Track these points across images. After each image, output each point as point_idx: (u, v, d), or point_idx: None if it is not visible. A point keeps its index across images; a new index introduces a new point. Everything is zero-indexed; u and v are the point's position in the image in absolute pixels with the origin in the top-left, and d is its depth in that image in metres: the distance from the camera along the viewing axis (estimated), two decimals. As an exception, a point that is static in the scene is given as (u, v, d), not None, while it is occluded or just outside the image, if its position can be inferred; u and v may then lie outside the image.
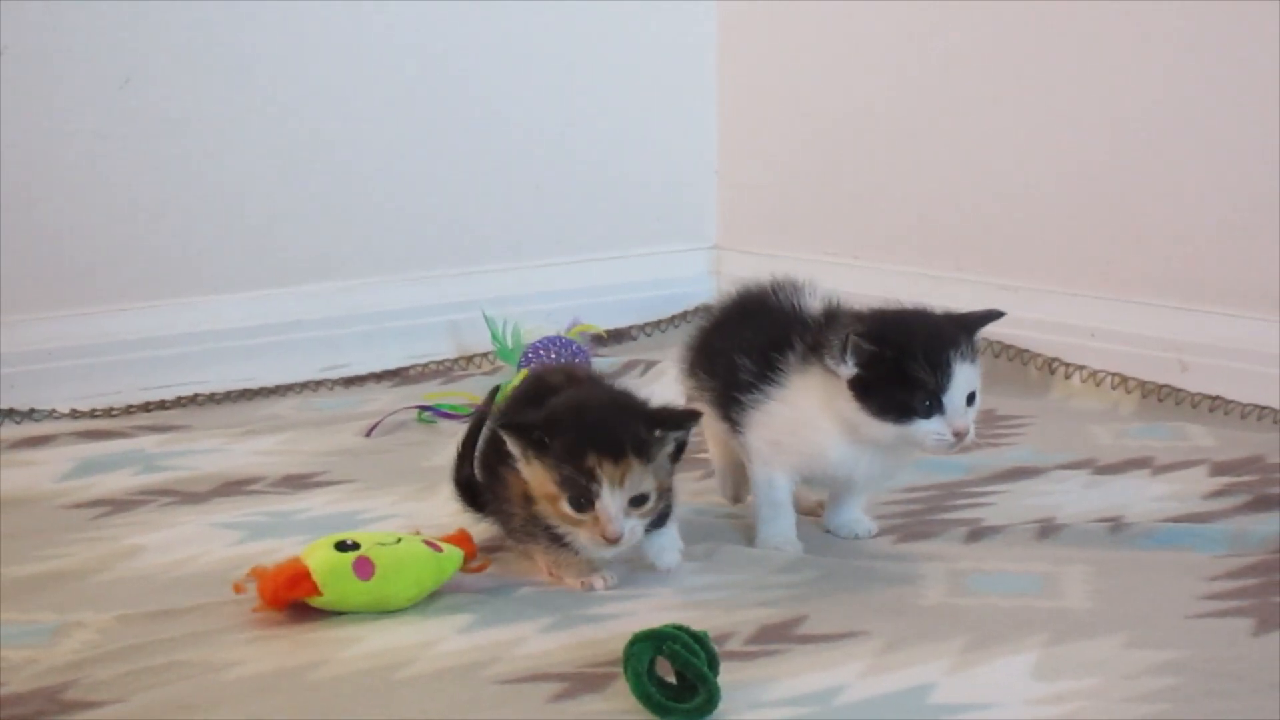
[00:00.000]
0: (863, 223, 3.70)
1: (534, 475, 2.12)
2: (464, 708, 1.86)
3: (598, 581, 2.18)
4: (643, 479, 2.09)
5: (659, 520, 2.16)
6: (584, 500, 2.08)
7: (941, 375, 2.18)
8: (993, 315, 2.30)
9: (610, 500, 2.07)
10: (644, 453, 2.09)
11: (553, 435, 2.09)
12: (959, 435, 2.19)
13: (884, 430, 2.20)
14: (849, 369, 2.20)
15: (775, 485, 2.34)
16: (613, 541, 2.08)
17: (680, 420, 2.15)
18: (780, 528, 2.35)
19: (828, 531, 2.42)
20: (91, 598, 2.20)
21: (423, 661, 1.98)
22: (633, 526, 2.09)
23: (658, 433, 2.11)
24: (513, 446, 2.12)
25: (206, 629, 2.07)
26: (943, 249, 3.54)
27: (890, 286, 3.54)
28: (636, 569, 2.23)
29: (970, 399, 2.21)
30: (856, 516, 2.42)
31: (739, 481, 2.51)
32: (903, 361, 2.18)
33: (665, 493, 2.14)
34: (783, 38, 3.83)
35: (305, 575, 2.10)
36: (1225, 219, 3.09)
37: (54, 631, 2.07)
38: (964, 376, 2.19)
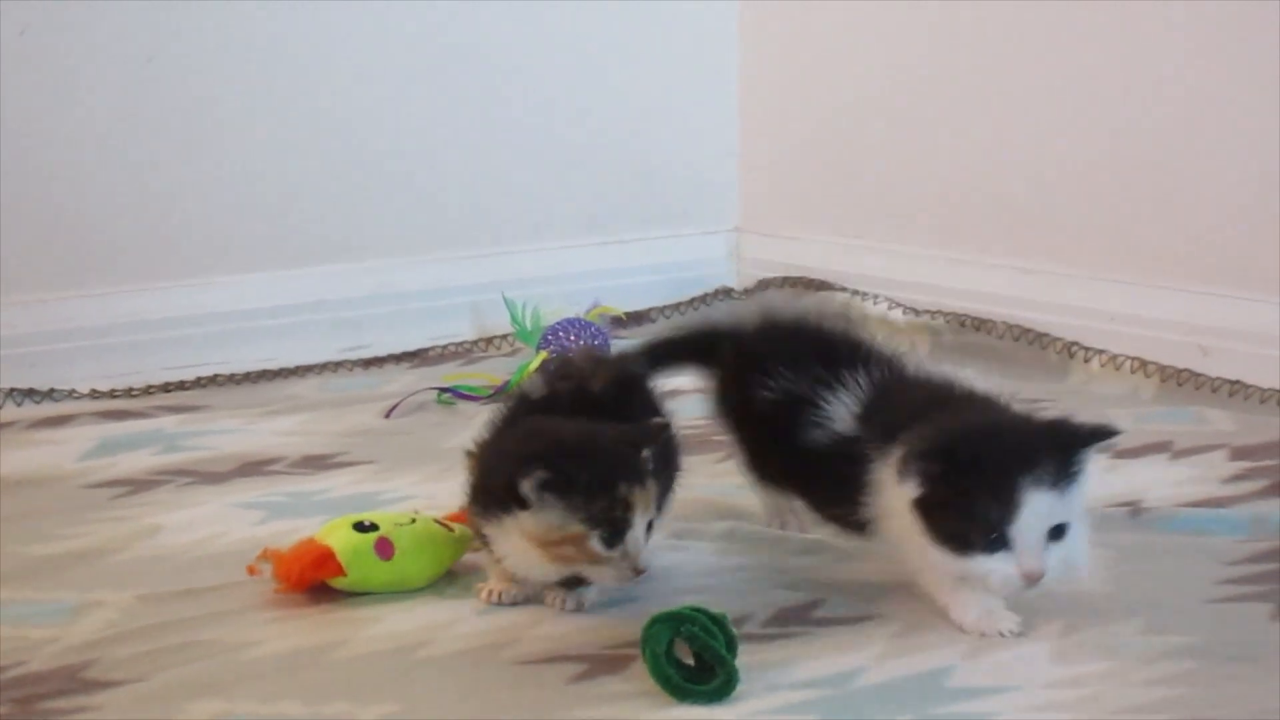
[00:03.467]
0: (884, 206, 3.69)
1: (548, 520, 1.96)
2: (483, 688, 1.87)
3: (505, 595, 2.08)
4: (651, 503, 2.00)
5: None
6: (616, 535, 1.95)
7: (1008, 504, 1.84)
8: (1104, 433, 1.93)
9: (640, 530, 1.97)
10: (649, 475, 1.99)
11: (578, 469, 1.95)
12: (1029, 579, 1.87)
13: (945, 560, 1.90)
14: (913, 489, 1.90)
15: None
16: (642, 574, 1.98)
17: (655, 434, 2.05)
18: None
19: None
20: (111, 577, 2.20)
21: (442, 642, 1.99)
22: (651, 554, 2.00)
23: (645, 454, 2.01)
24: (530, 489, 1.95)
25: (226, 609, 2.08)
26: (964, 232, 3.53)
27: (911, 270, 3.55)
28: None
29: (1057, 532, 1.87)
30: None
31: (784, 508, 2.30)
32: (964, 485, 1.86)
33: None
34: (804, 21, 3.82)
35: (330, 556, 2.10)
36: (1246, 203, 3.08)
37: (74, 610, 2.08)
38: (1042, 506, 1.85)
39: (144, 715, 1.79)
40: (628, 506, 1.95)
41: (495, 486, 2.00)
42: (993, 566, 1.86)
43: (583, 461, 1.96)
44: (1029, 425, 1.94)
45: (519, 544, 2.00)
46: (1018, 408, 2.02)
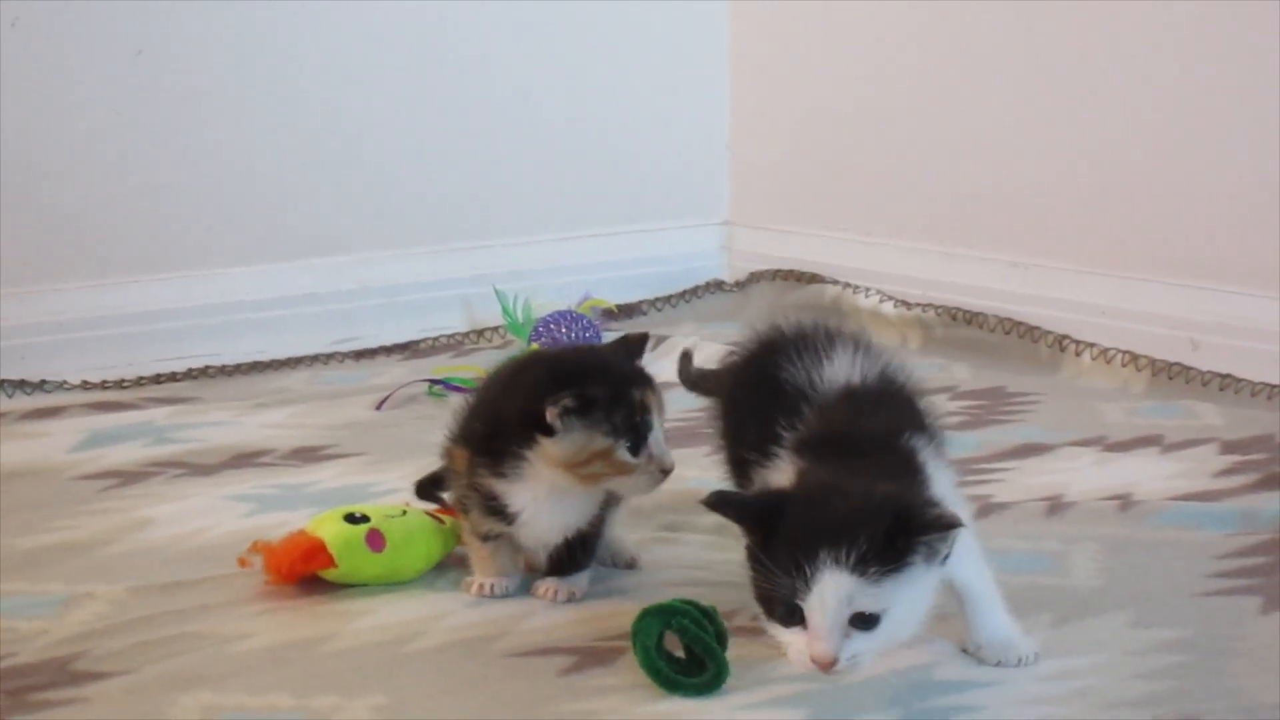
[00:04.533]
0: (874, 200, 3.70)
1: (572, 444, 2.01)
2: (474, 681, 1.87)
3: (495, 587, 2.11)
4: (662, 404, 2.06)
5: (586, 556, 2.11)
6: (640, 440, 2.01)
7: (801, 578, 1.65)
8: (942, 524, 1.68)
9: (660, 431, 2.03)
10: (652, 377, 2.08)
11: (594, 387, 2.01)
12: (818, 663, 1.67)
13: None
14: (744, 534, 1.74)
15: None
16: (669, 472, 2.03)
17: (643, 343, 2.14)
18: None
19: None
20: (101, 569, 2.20)
21: (432, 634, 1.99)
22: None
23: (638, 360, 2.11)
24: (555, 416, 2.00)
25: (216, 601, 2.08)
26: (954, 226, 3.54)
27: (902, 263, 3.55)
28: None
29: (867, 620, 1.66)
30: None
31: None
32: (773, 547, 1.68)
33: None
34: (795, 16, 3.82)
35: (321, 548, 2.10)
36: (1237, 199, 3.08)
37: (64, 603, 2.08)
38: (839, 588, 1.64)
39: (133, 707, 1.79)
40: (645, 409, 2.02)
41: (511, 430, 2.03)
42: (788, 639, 1.68)
43: (596, 379, 2.02)
44: (866, 496, 1.68)
45: (536, 488, 2.03)
46: (901, 467, 1.78)
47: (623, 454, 2.01)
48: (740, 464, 1.96)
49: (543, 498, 2.04)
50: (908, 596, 1.67)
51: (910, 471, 1.78)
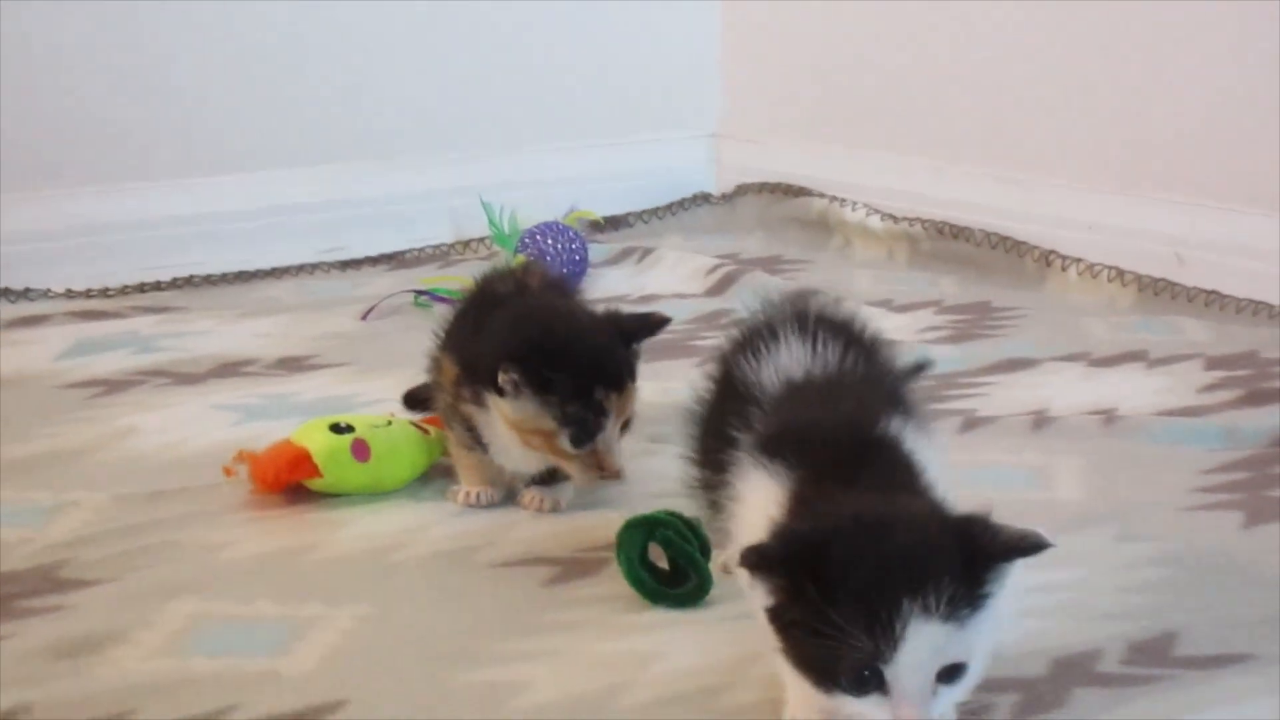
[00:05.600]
0: (863, 113, 3.68)
1: (522, 410, 1.99)
2: (458, 590, 1.87)
3: (482, 496, 2.10)
4: (632, 401, 2.02)
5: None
6: (586, 437, 1.98)
7: (885, 636, 1.34)
8: (1029, 546, 1.39)
9: (613, 433, 1.99)
10: (634, 374, 2.02)
11: (556, 371, 1.97)
12: None
13: (807, 689, 1.42)
14: (762, 596, 1.41)
15: None
16: (615, 475, 2.00)
17: (654, 326, 2.08)
18: None
19: None
20: (87, 478, 2.20)
21: (417, 545, 1.99)
22: (622, 452, 2.01)
23: (635, 346, 2.05)
24: (505, 383, 1.97)
25: (201, 510, 2.08)
26: (942, 140, 3.53)
27: (890, 177, 3.54)
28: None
29: (950, 673, 1.37)
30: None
31: None
32: (826, 602, 1.35)
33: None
34: (785, -76, 3.80)
35: (306, 457, 2.10)
36: (1225, 115, 3.07)
37: (49, 511, 2.08)
38: (932, 641, 1.35)
39: (119, 614, 1.79)
40: (601, 411, 1.97)
41: (479, 372, 2.01)
42: (862, 710, 1.37)
43: (560, 362, 1.97)
44: (925, 521, 1.41)
45: (502, 430, 2.01)
46: (914, 487, 1.51)
47: (564, 443, 1.98)
48: (703, 476, 1.69)
49: (511, 438, 2.03)
50: (988, 634, 1.39)
51: (900, 465, 1.52)
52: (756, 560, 1.37)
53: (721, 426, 1.62)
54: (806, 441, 1.51)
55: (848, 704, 1.37)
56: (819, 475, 1.47)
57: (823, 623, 1.34)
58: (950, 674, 1.36)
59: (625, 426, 2.01)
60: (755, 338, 1.70)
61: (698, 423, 1.72)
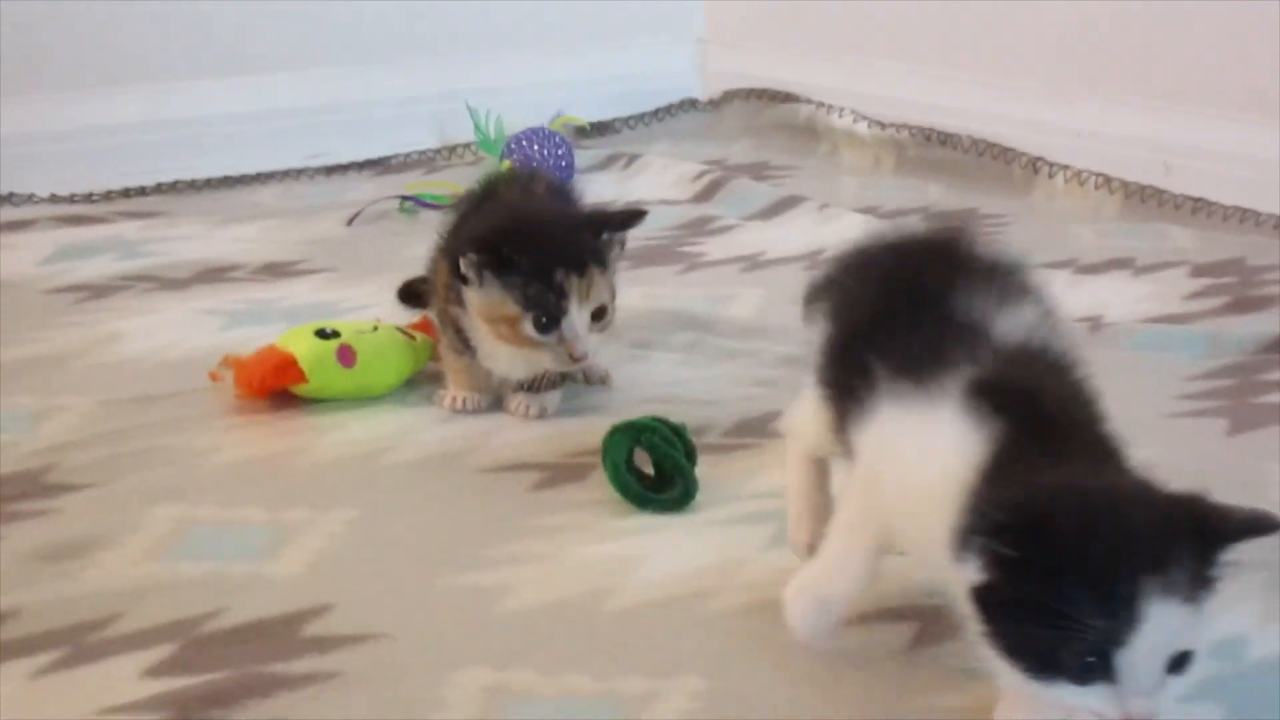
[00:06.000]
0: (850, 19, 3.66)
1: (488, 297, 2.00)
2: (445, 495, 1.88)
3: (468, 402, 2.11)
4: (603, 290, 2.01)
5: (559, 378, 2.09)
6: (551, 320, 1.98)
7: (1123, 618, 1.22)
8: (1266, 525, 1.28)
9: (578, 317, 1.98)
10: (602, 261, 2.01)
11: (516, 252, 1.98)
12: None
13: (1015, 677, 1.28)
14: (972, 572, 1.28)
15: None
16: (580, 360, 2.00)
17: (624, 221, 2.07)
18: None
19: None
20: (72, 383, 2.20)
21: (403, 450, 1.99)
22: (594, 342, 2.01)
23: (605, 236, 2.04)
24: (467, 268, 1.99)
25: (187, 415, 2.08)
26: (930, 45, 3.51)
27: (877, 83, 3.53)
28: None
29: (1178, 663, 1.25)
30: None
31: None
32: (1056, 579, 1.23)
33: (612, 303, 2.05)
34: None
35: (292, 362, 2.10)
36: (1214, 21, 3.06)
37: (35, 416, 2.08)
38: (1169, 625, 1.23)
39: (106, 519, 1.80)
40: (563, 294, 1.96)
41: (455, 267, 2.02)
42: (1084, 702, 1.24)
43: (521, 245, 1.97)
44: (1159, 498, 1.30)
45: (483, 330, 2.02)
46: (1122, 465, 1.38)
47: (528, 328, 1.98)
48: (843, 392, 1.49)
49: (488, 334, 2.03)
50: (1209, 622, 1.27)
51: (1108, 440, 1.41)
52: (994, 523, 1.24)
53: (897, 356, 1.42)
54: (1029, 398, 1.36)
55: (1067, 695, 1.24)
56: (1028, 438, 1.33)
57: (1053, 600, 1.22)
58: (1179, 663, 1.24)
59: (599, 318, 2.01)
60: (969, 269, 1.48)
61: (850, 343, 1.50)
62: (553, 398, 2.10)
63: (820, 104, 3.61)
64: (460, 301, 2.04)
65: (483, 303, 2.00)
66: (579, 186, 2.26)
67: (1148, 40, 3.16)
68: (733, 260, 2.75)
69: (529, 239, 1.99)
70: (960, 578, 1.29)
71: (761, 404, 2.11)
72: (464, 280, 2.00)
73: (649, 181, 3.23)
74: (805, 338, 1.58)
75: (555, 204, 2.13)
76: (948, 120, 3.40)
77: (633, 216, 2.08)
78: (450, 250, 2.07)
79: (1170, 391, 2.16)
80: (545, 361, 2.02)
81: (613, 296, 2.04)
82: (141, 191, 3.20)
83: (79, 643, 1.56)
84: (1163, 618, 1.22)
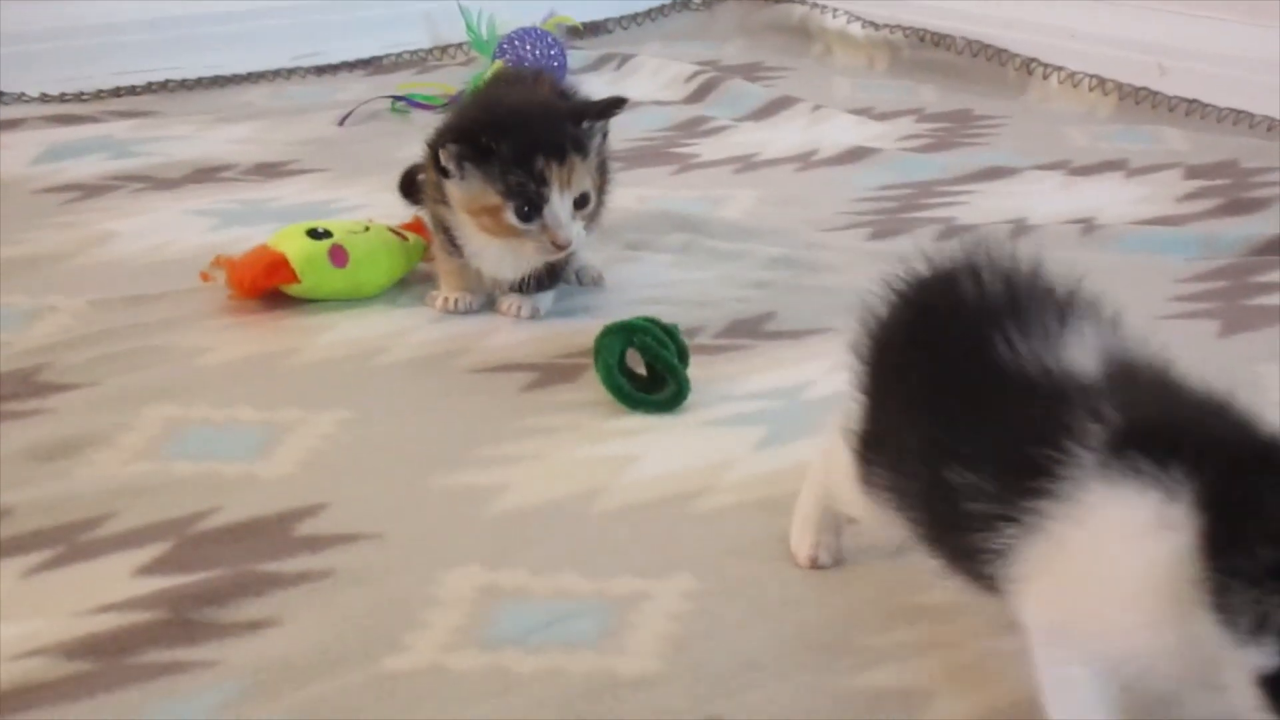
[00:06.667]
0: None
1: (469, 189, 2.00)
2: (437, 395, 1.88)
3: (460, 302, 2.11)
4: (584, 177, 2.00)
5: (552, 279, 2.10)
6: (532, 208, 1.98)
7: None
8: None
9: (559, 204, 1.98)
10: (582, 149, 2.00)
11: (496, 140, 1.97)
12: None
13: None
14: (1271, 655, 1.07)
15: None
16: (564, 248, 1.99)
17: (604, 109, 2.06)
18: None
19: None
20: (64, 282, 2.20)
21: (396, 350, 2.00)
22: (578, 231, 2.00)
23: (586, 124, 2.02)
24: (447, 159, 1.99)
25: (180, 315, 2.08)
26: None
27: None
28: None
29: None
30: None
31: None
32: None
33: (598, 193, 2.05)
34: None
35: (283, 262, 2.10)
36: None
37: (27, 315, 2.08)
38: None
39: (98, 418, 1.80)
40: (543, 181, 1.96)
41: (434, 160, 2.02)
42: None
43: (500, 134, 1.97)
44: None
45: (469, 228, 2.02)
46: None
47: (510, 216, 1.98)
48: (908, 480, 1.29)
49: (472, 228, 2.03)
50: None
51: None
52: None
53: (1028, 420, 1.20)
54: (1200, 438, 1.16)
55: None
56: (1229, 483, 1.11)
57: None
58: None
59: (582, 206, 2.00)
60: (1012, 313, 1.28)
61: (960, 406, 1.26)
62: (545, 298, 2.10)
63: (814, 4, 3.59)
64: (445, 199, 2.03)
65: (464, 195, 2.00)
66: (575, 87, 2.24)
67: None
68: (726, 161, 2.75)
69: (508, 128, 1.98)
70: (1236, 660, 1.07)
71: (754, 305, 2.11)
72: (445, 173, 2.00)
73: (642, 82, 3.22)
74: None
75: (538, 96, 2.11)
76: (942, 21, 3.38)
77: (612, 104, 2.07)
78: (431, 143, 2.06)
79: (1163, 293, 2.16)
80: (529, 251, 2.01)
81: (597, 187, 2.04)
82: (132, 91, 3.19)
83: (72, 541, 1.56)
84: None
